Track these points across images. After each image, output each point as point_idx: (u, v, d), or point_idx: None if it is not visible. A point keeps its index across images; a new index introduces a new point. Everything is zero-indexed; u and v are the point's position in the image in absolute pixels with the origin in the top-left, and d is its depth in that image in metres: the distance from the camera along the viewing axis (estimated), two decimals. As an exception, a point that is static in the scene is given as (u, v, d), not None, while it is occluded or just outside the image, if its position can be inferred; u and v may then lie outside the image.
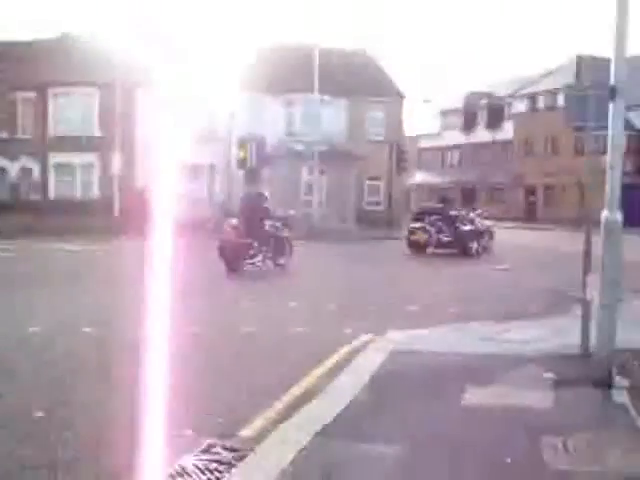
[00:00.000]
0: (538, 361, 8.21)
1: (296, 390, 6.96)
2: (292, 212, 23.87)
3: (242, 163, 28.66)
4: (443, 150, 67.84)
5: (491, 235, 24.51)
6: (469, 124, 64.64)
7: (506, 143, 59.04)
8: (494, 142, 62.14)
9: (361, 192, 40.04)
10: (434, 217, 25.05)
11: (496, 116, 61.87)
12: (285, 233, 18.28)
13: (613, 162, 7.40)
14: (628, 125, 44.62)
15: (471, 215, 26.49)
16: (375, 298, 13.73)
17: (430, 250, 24.40)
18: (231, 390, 6.97)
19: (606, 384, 7.16)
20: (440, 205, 27.34)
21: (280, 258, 17.99)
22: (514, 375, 7.66)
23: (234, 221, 17.53)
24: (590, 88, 8.34)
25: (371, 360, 8.28)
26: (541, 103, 53.11)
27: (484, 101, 63.57)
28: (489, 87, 66.23)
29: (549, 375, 7.56)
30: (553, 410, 6.50)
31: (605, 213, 7.39)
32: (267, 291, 14.71)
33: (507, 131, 58.57)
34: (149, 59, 28.69)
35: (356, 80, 40.22)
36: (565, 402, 6.72)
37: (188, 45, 29.28)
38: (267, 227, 17.68)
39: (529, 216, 53.01)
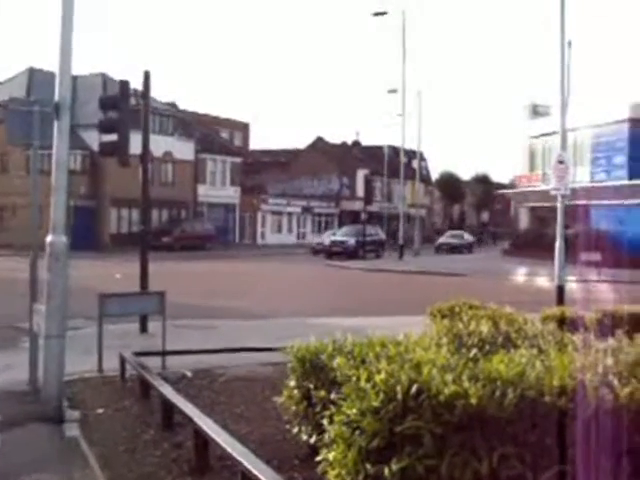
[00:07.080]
0: (-17, 402, 7.86)
1: None
2: None
3: None
4: None
5: None
6: None
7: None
8: None
9: None
10: None
11: None
12: None
13: (57, 183, 7.46)
14: (83, 145, 45.85)
15: None
16: None
17: None
18: None
19: (57, 419, 7.19)
20: None
21: None
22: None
23: None
24: (35, 104, 8.31)
25: None
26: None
27: None
28: None
29: (-5, 416, 7.30)
30: (-3, 455, 6.27)
31: (50, 237, 7.41)
32: None
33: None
34: None
35: None
36: (13, 444, 6.55)
37: None
38: None
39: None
